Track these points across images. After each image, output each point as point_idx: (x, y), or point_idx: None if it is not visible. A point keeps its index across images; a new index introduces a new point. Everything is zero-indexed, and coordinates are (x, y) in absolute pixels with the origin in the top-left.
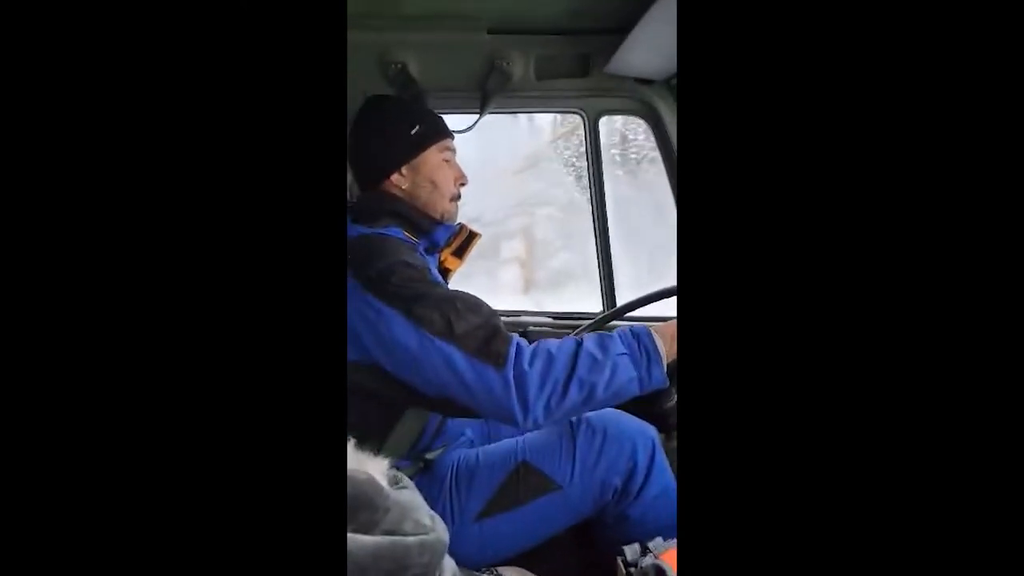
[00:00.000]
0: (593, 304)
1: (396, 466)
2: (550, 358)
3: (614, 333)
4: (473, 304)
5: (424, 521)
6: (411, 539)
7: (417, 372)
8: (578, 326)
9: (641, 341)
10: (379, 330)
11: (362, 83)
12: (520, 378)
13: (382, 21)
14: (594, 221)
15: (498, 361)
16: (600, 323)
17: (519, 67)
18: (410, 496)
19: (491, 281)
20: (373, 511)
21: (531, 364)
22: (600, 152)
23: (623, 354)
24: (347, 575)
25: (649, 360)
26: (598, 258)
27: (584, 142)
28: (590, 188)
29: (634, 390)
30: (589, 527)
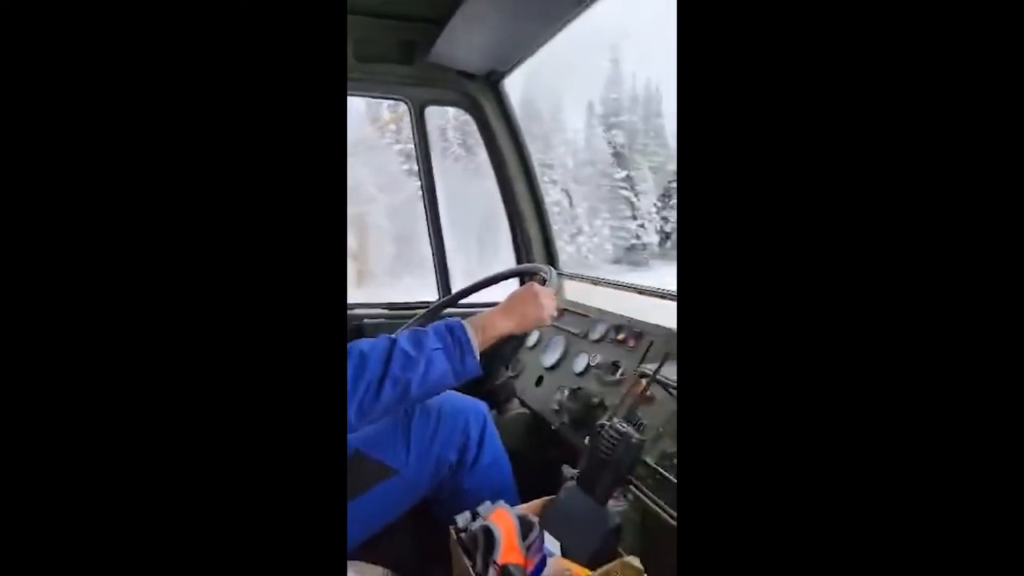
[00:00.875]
0: (429, 293)
1: None
2: (362, 359)
3: (428, 328)
4: None
5: None
6: None
7: None
8: (413, 315)
9: (455, 334)
10: None
11: None
12: None
13: None
14: (426, 211)
15: None
16: (435, 311)
17: None
18: None
19: None
20: None
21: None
22: (428, 142)
23: (437, 349)
24: None
25: (463, 352)
26: (431, 247)
27: (411, 131)
28: (420, 178)
29: (449, 381)
30: (426, 507)
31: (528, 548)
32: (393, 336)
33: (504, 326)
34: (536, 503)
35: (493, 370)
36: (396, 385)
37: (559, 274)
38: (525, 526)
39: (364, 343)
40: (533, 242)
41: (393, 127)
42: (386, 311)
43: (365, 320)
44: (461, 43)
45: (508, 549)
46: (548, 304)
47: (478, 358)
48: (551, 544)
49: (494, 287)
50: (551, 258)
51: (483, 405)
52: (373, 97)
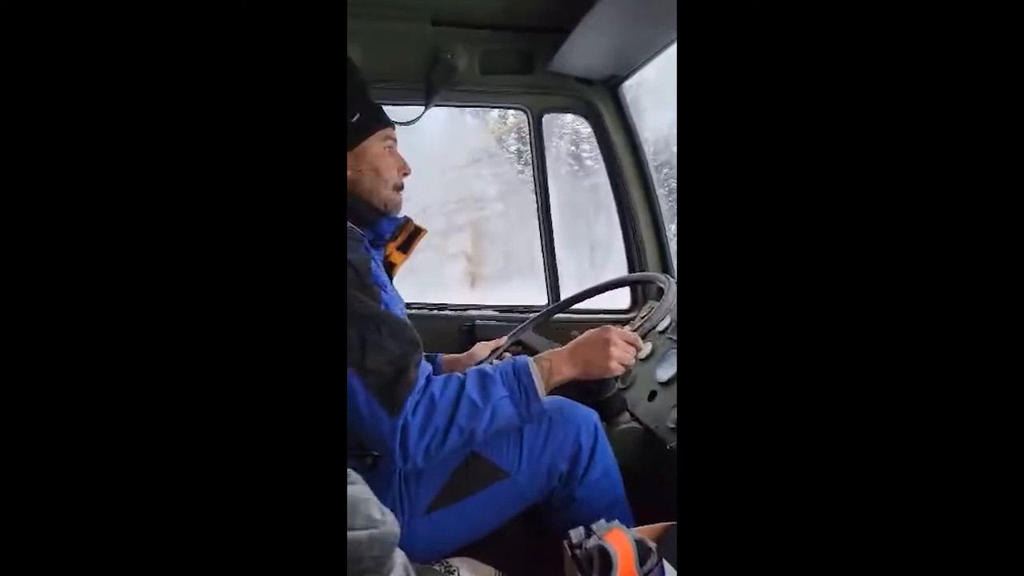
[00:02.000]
0: (539, 297)
1: None
2: (432, 406)
3: (496, 372)
4: (397, 330)
5: (375, 515)
6: (362, 533)
7: None
8: (524, 319)
9: (521, 381)
10: None
11: None
12: (404, 427)
13: None
14: (539, 216)
15: (393, 410)
16: (545, 317)
17: (464, 60)
18: (360, 491)
19: (438, 276)
20: None
21: (414, 413)
22: (544, 149)
23: (504, 397)
24: None
25: (528, 399)
26: (542, 252)
27: (528, 138)
28: (534, 184)
29: (515, 424)
30: (537, 513)
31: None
32: (462, 377)
33: (568, 372)
34: (654, 528)
35: (603, 381)
36: (462, 434)
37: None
38: (643, 551)
39: (436, 386)
40: (647, 250)
41: (512, 134)
42: (497, 313)
43: (477, 321)
44: (584, 50)
45: (625, 574)
46: (620, 355)
47: (543, 402)
48: (671, 574)
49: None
50: (665, 266)
51: (594, 415)
52: (493, 107)
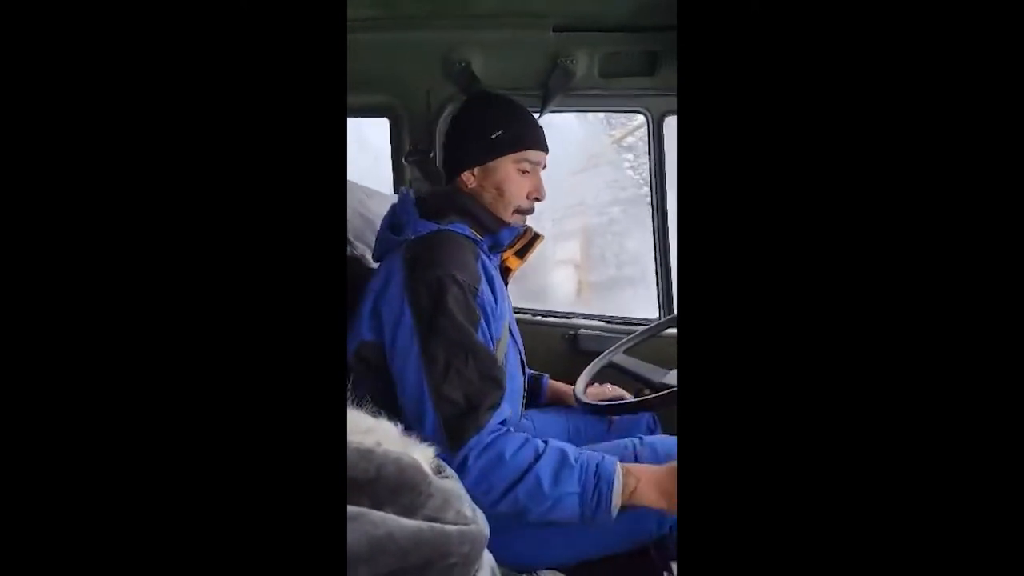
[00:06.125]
0: (649, 310)
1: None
2: (497, 462)
3: (578, 464)
4: (483, 366)
5: (466, 512)
6: (452, 528)
7: (402, 393)
8: (631, 331)
9: (600, 488)
10: (396, 336)
11: (426, 81)
12: (460, 467)
13: (448, 20)
14: (654, 223)
15: (453, 444)
16: (656, 331)
17: (583, 65)
18: (452, 485)
19: (543, 281)
20: (416, 495)
21: (479, 456)
22: (664, 153)
23: (573, 493)
24: (387, 557)
25: (599, 506)
26: (656, 262)
27: (647, 142)
28: (651, 190)
29: (572, 521)
30: (647, 553)
31: None
32: (541, 449)
33: (653, 502)
34: None
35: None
36: (515, 505)
37: None
38: None
39: (511, 443)
40: None
41: (636, 135)
42: (603, 323)
43: (581, 331)
44: None
45: None
46: None
47: (613, 517)
48: None
49: None
50: None
51: None
52: (611, 111)
